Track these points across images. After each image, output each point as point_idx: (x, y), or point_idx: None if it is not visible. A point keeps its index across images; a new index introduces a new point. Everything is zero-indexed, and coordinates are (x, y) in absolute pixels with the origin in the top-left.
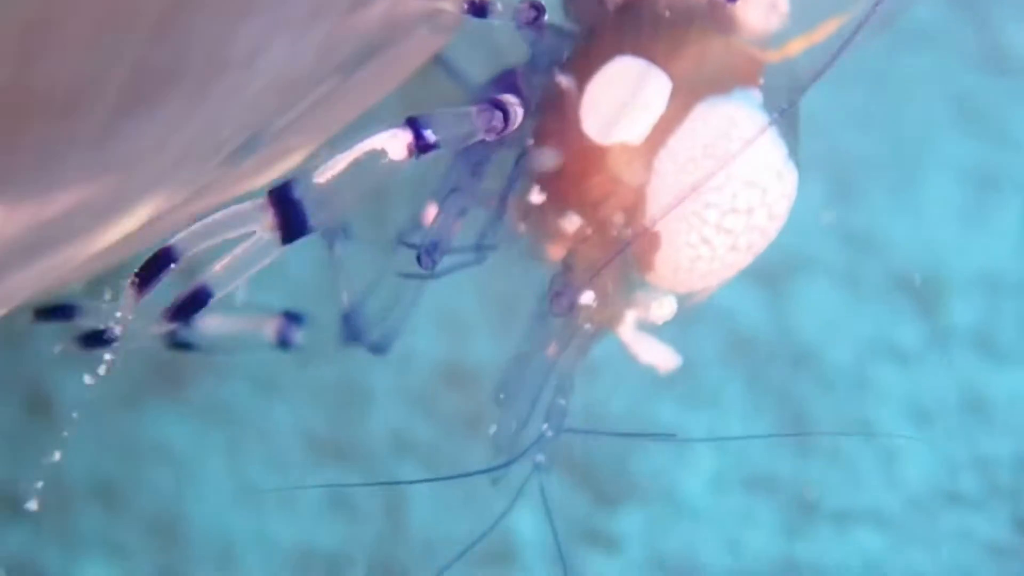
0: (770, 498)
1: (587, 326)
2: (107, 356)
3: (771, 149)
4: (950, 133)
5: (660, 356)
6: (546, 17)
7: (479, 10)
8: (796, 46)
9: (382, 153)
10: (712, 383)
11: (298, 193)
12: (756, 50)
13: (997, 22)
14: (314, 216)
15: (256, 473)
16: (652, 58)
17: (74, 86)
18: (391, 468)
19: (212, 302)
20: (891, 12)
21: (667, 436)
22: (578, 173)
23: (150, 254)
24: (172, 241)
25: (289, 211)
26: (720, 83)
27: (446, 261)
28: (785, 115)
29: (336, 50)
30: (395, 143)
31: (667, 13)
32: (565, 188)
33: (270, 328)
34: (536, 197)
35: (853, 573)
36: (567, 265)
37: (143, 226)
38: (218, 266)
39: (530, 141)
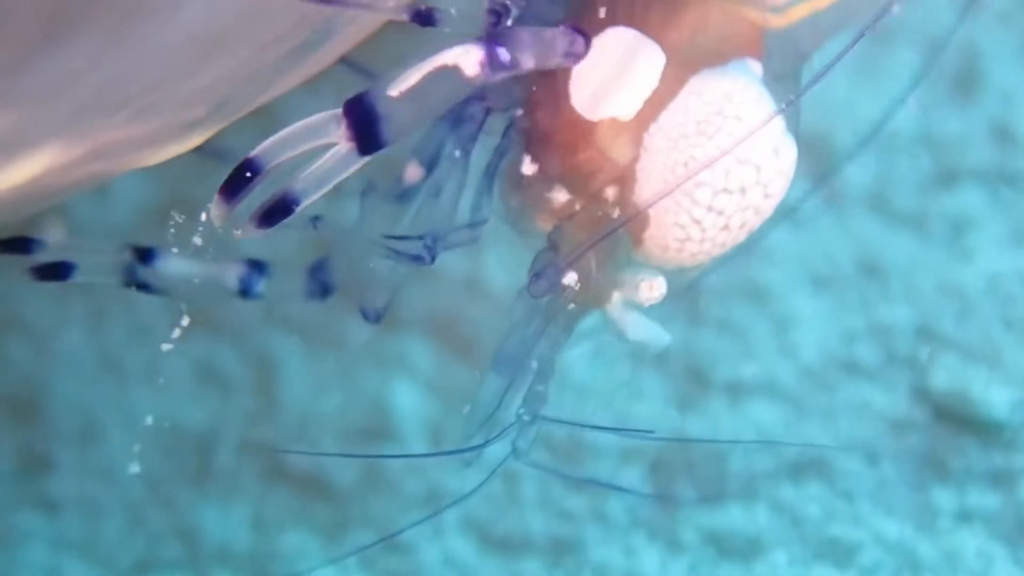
0: (659, 370)
1: (571, 306)
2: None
3: (770, 122)
4: None
5: (649, 334)
6: (510, 20)
7: (426, 18)
8: (799, 11)
9: (455, 69)
10: None
11: (373, 104)
12: (758, 15)
13: None
14: (389, 129)
15: (119, 344)
16: (646, 28)
17: None
18: (262, 339)
19: (299, 210)
20: None
21: (645, 432)
22: (567, 146)
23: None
24: (254, 152)
25: (364, 122)
26: (717, 53)
27: (444, 242)
28: (785, 87)
29: (258, 15)
30: (468, 59)
31: None
32: (554, 160)
33: (232, 275)
34: (527, 168)
35: (747, 447)
36: (552, 242)
37: (34, 179)
38: (304, 174)
39: (519, 111)
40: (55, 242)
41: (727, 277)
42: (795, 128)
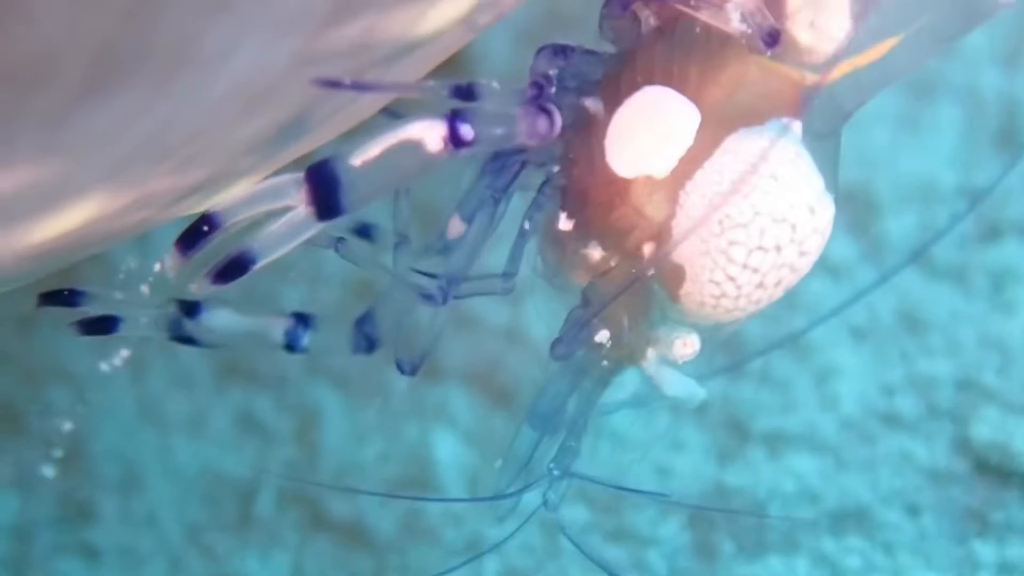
0: (698, 421)
1: (604, 363)
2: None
3: (805, 183)
4: None
5: (685, 390)
6: (552, 91)
7: (466, 93)
8: (840, 69)
9: (418, 143)
10: None
11: (334, 172)
12: (797, 73)
13: None
14: (348, 197)
15: (159, 393)
16: (683, 86)
17: (36, 61)
18: (303, 391)
19: (255, 268)
20: (939, 38)
21: (661, 496)
22: (603, 202)
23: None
24: (214, 209)
25: (325, 189)
26: (755, 113)
27: (472, 286)
28: (824, 145)
29: (308, 67)
30: (432, 134)
31: (704, 35)
32: (590, 217)
33: (278, 328)
34: (563, 224)
35: (786, 499)
36: (586, 299)
37: (80, 227)
38: (262, 235)
39: (556, 167)
40: (99, 294)
41: (768, 329)
42: (833, 186)
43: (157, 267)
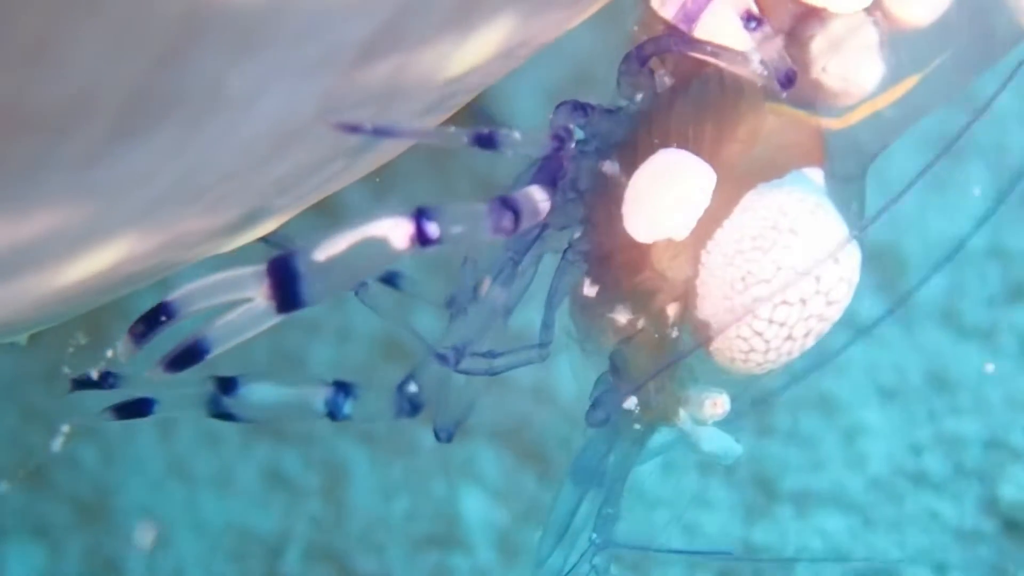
0: (727, 479)
1: (636, 427)
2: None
3: (826, 233)
4: None
5: (722, 445)
6: (572, 143)
7: (487, 141)
8: (859, 113)
9: (384, 240)
10: None
11: (297, 267)
12: (815, 119)
13: None
14: (310, 291)
15: (187, 450)
16: (699, 146)
17: (69, 105)
18: (329, 447)
19: (208, 358)
20: (960, 73)
21: (724, 553)
22: (625, 267)
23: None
24: (170, 297)
25: (286, 283)
26: (773, 165)
27: (508, 360)
28: (849, 189)
29: (337, 106)
30: (398, 232)
31: (718, 90)
32: (613, 281)
33: (319, 398)
34: (588, 289)
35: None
36: (613, 365)
37: (111, 269)
38: (218, 323)
39: (578, 232)
40: (132, 375)
41: (796, 388)
42: (861, 225)
43: (109, 353)
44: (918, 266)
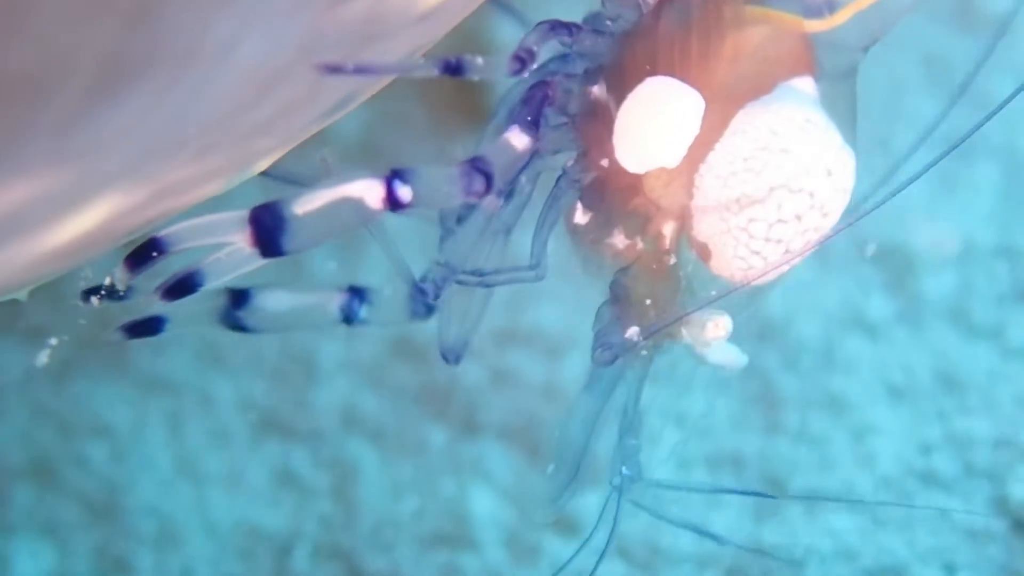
0: (737, 477)
1: (643, 352)
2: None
3: (819, 147)
4: (921, 95)
5: (727, 356)
6: (534, 65)
7: (455, 69)
8: (845, 13)
9: (359, 201)
10: (675, 356)
11: (277, 218)
12: (797, 23)
13: None
14: (289, 242)
15: (197, 448)
16: (685, 69)
17: (42, 70)
18: (339, 444)
19: (200, 291)
20: None
21: (760, 493)
22: (619, 193)
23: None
24: (160, 233)
25: (266, 232)
26: (762, 82)
27: (503, 276)
28: (838, 93)
29: (317, 46)
30: (371, 194)
31: (700, 7)
32: (607, 208)
33: (333, 303)
34: (580, 217)
35: (823, 557)
36: (615, 295)
37: (99, 226)
38: (210, 258)
39: (570, 161)
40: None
41: (805, 387)
42: (851, 136)
43: (107, 280)
44: (927, 265)
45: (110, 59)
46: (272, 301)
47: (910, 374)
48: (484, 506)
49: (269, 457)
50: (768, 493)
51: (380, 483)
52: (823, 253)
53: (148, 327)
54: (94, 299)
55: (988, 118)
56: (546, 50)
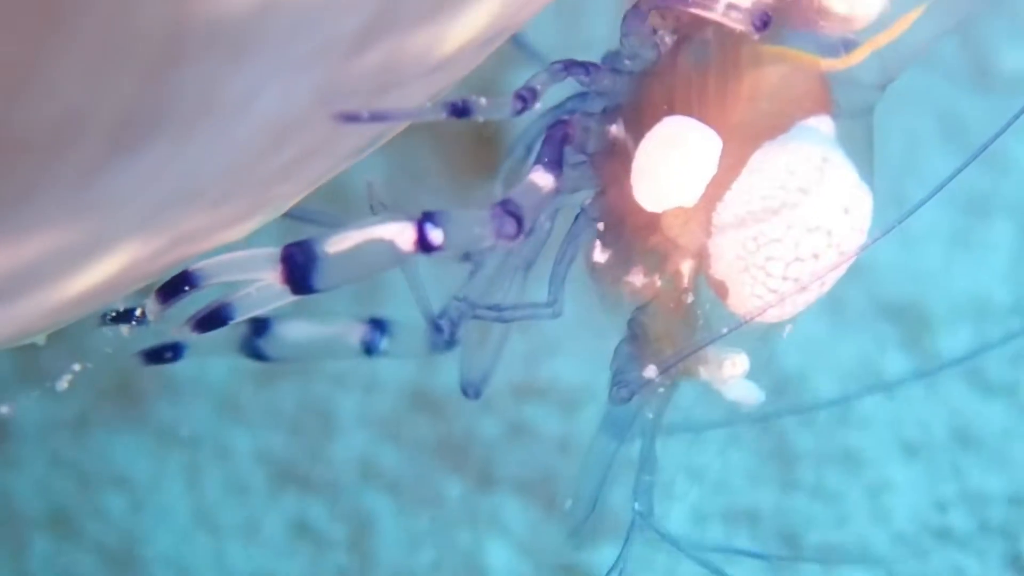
0: (752, 533)
1: (660, 390)
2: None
3: (835, 185)
4: (937, 153)
5: (744, 393)
6: (537, 104)
7: (461, 112)
8: (862, 52)
9: (390, 243)
10: (691, 410)
11: (309, 256)
12: (818, 62)
13: (985, 40)
14: (320, 280)
15: (215, 499)
16: (703, 109)
17: (59, 126)
18: (356, 496)
19: (231, 323)
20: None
21: (763, 556)
22: (637, 232)
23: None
24: (192, 267)
25: (298, 270)
26: (779, 121)
27: (521, 312)
28: (856, 132)
29: (333, 95)
30: (403, 237)
31: (717, 46)
32: (626, 246)
33: (354, 334)
34: (599, 255)
35: None
36: (633, 333)
37: (117, 274)
38: (241, 292)
39: (589, 199)
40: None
41: (821, 443)
42: (868, 174)
43: (139, 312)
44: (943, 322)
45: (127, 114)
46: (293, 331)
47: (926, 431)
48: (500, 559)
49: (286, 509)
50: (781, 555)
51: (397, 535)
52: (839, 309)
53: (168, 353)
54: (123, 327)
55: (1007, 126)
56: (565, 88)
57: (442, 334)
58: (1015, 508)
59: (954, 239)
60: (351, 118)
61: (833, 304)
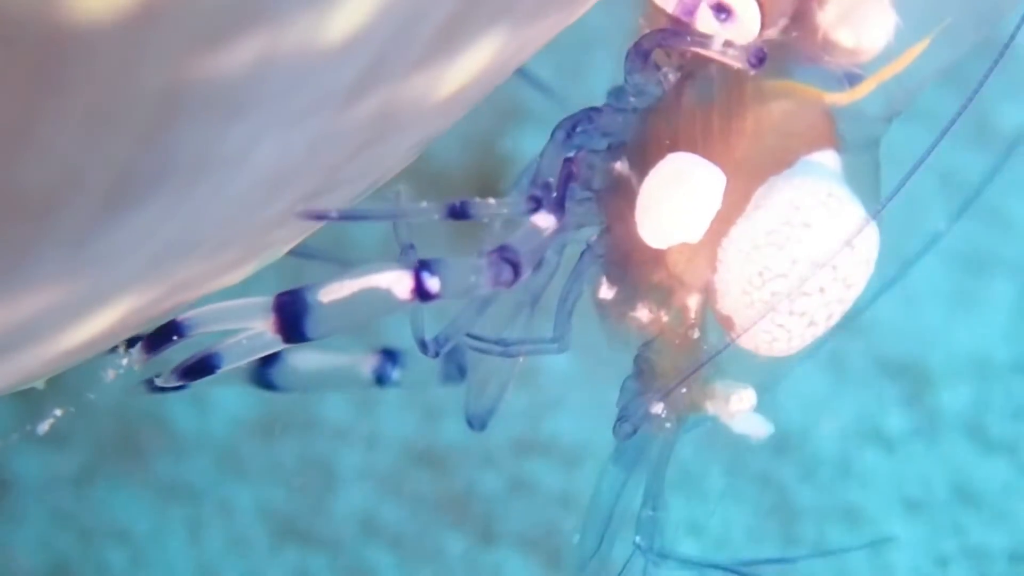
0: None
1: (667, 425)
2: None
3: (841, 219)
4: (937, 210)
5: (752, 426)
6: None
7: (460, 214)
8: (864, 88)
9: (387, 291)
10: (691, 469)
11: (302, 305)
12: (822, 97)
13: (984, 98)
14: (314, 329)
15: (216, 554)
16: (707, 146)
17: (55, 187)
18: (358, 552)
19: (217, 372)
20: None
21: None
22: (642, 268)
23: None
24: (181, 317)
25: (291, 319)
26: (783, 156)
27: (527, 347)
28: (861, 166)
29: (328, 144)
30: (400, 285)
31: (721, 84)
32: (632, 282)
33: (367, 365)
34: (605, 292)
35: None
36: (639, 369)
37: (115, 324)
38: (230, 341)
39: (594, 235)
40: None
41: (822, 499)
42: (874, 208)
43: (124, 360)
44: (944, 380)
45: (123, 174)
46: (304, 361)
47: (927, 487)
48: None
49: (287, 564)
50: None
51: None
52: (841, 366)
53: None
54: (110, 371)
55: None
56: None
57: (456, 366)
58: (1016, 565)
59: (955, 297)
60: (320, 217)
61: (835, 361)
